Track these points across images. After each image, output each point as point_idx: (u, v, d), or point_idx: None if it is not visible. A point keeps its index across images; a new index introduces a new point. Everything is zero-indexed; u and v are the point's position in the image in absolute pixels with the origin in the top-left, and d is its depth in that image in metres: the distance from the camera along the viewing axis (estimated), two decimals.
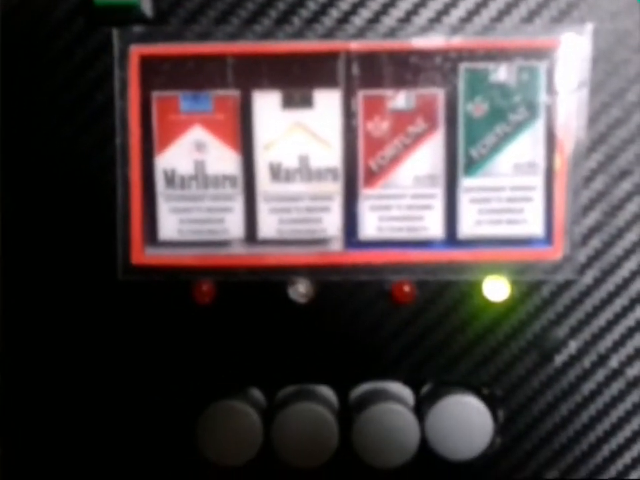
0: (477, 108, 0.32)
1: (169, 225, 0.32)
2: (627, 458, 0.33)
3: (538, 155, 0.32)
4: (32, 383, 0.33)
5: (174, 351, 0.33)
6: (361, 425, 0.31)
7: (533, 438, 0.33)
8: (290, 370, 0.33)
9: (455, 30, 0.31)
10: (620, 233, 0.32)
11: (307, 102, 0.32)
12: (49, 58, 0.31)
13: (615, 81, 0.32)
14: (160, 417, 0.33)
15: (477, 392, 0.32)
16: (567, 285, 0.32)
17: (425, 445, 0.31)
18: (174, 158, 0.32)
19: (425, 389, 0.33)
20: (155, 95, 0.31)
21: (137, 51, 0.31)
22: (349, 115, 0.32)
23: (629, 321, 0.33)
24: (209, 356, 0.33)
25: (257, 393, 0.33)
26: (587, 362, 0.33)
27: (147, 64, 0.31)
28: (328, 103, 0.32)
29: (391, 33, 0.32)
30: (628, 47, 0.32)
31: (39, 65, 0.31)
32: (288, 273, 0.32)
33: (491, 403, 0.32)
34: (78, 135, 0.32)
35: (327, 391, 0.34)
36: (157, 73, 0.31)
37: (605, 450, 0.33)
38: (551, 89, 0.32)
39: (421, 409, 0.32)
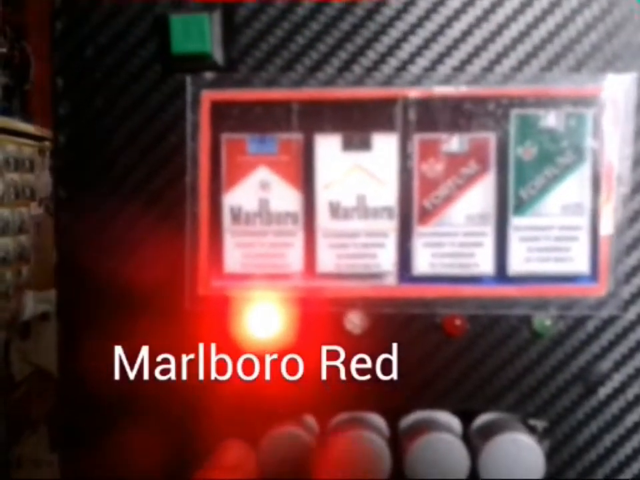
0: (527, 152, 0.34)
1: (234, 259, 0.34)
2: None
3: (584, 196, 0.34)
4: (98, 408, 0.35)
5: (238, 375, 0.34)
6: (414, 453, 0.32)
7: (577, 468, 0.34)
8: (343, 398, 0.35)
9: (506, 78, 0.33)
10: None
11: (365, 145, 0.34)
12: (128, 101, 0.34)
13: None
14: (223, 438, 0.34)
15: (524, 423, 0.34)
16: (611, 320, 0.34)
17: (474, 476, 0.33)
18: (240, 196, 0.34)
19: (477, 420, 0.35)
20: (225, 137, 0.34)
21: (208, 96, 0.33)
22: (405, 157, 0.34)
23: None
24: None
25: (311, 421, 0.35)
26: (630, 394, 0.34)
27: (218, 108, 0.33)
28: (385, 145, 0.34)
29: (446, 80, 0.33)
30: None
31: (119, 107, 0.34)
32: (345, 304, 0.34)
33: (537, 433, 0.34)
34: (152, 172, 0.34)
35: (377, 419, 0.35)
36: (227, 117, 0.33)
37: None
38: (597, 135, 0.33)
39: (472, 441, 0.34)
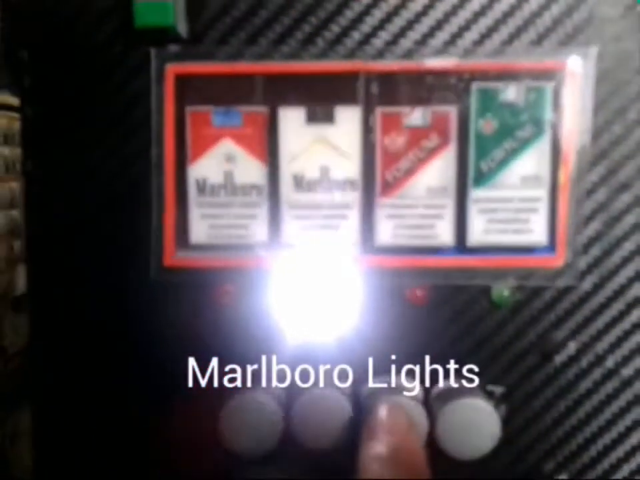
0: (487, 125, 0.34)
1: (200, 230, 0.35)
2: (620, 452, 0.36)
3: (543, 169, 0.34)
4: (63, 374, 0.36)
5: (199, 346, 0.35)
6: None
7: (532, 432, 0.36)
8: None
9: (468, 52, 0.34)
10: (618, 243, 0.35)
11: (329, 118, 0.34)
12: (91, 76, 0.34)
13: (617, 100, 0.34)
14: (187, 410, 0.36)
15: (482, 389, 0.35)
16: (567, 290, 0.35)
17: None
18: (205, 168, 0.34)
19: (437, 387, 0.36)
20: (189, 110, 0.34)
21: (172, 70, 0.34)
22: (367, 130, 0.34)
23: (625, 325, 0.35)
24: (230, 352, 0.35)
25: (276, 386, 0.36)
26: (584, 362, 0.35)
27: (182, 81, 0.34)
28: (348, 119, 0.34)
29: (408, 54, 0.34)
30: (629, 68, 0.34)
31: (82, 82, 0.34)
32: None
33: (495, 399, 0.35)
34: (117, 146, 0.34)
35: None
36: (191, 90, 0.34)
37: (600, 444, 0.36)
38: (556, 108, 0.34)
39: (432, 407, 0.35)
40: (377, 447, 0.30)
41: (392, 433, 0.30)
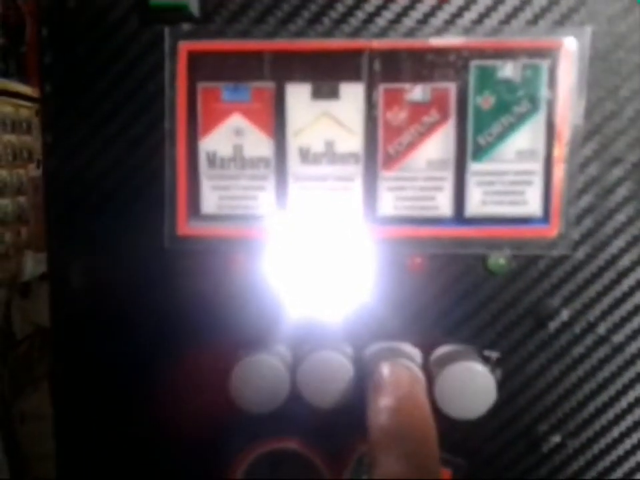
0: (485, 101, 0.36)
1: (210, 201, 0.37)
2: (610, 414, 0.37)
3: (538, 143, 0.36)
4: (80, 337, 0.38)
5: (212, 312, 0.37)
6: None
7: (527, 395, 0.37)
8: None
9: (467, 31, 0.35)
10: (611, 214, 0.36)
11: (333, 94, 0.36)
12: (107, 52, 0.36)
13: (610, 78, 0.36)
14: (198, 370, 0.37)
15: (479, 354, 0.37)
16: (561, 259, 0.36)
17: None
18: (215, 142, 0.36)
19: (436, 352, 0.38)
20: (200, 85, 0.36)
21: (185, 47, 0.35)
22: (370, 105, 0.36)
23: (617, 293, 0.37)
24: (242, 317, 0.37)
25: (282, 349, 0.38)
26: (577, 329, 0.37)
27: (194, 58, 0.35)
28: (352, 95, 0.36)
29: (410, 32, 0.35)
30: (623, 47, 0.35)
31: (101, 57, 0.36)
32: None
33: (490, 363, 0.37)
34: (132, 120, 0.36)
35: (346, 347, 0.38)
36: (202, 67, 0.35)
37: (591, 407, 0.37)
38: (552, 85, 0.35)
39: (431, 370, 0.37)
40: (384, 400, 0.31)
41: (397, 387, 0.32)
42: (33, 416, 1.04)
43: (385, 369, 0.33)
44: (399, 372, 0.34)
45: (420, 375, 0.35)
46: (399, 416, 0.30)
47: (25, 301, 1.08)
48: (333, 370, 0.35)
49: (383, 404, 0.31)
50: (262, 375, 0.36)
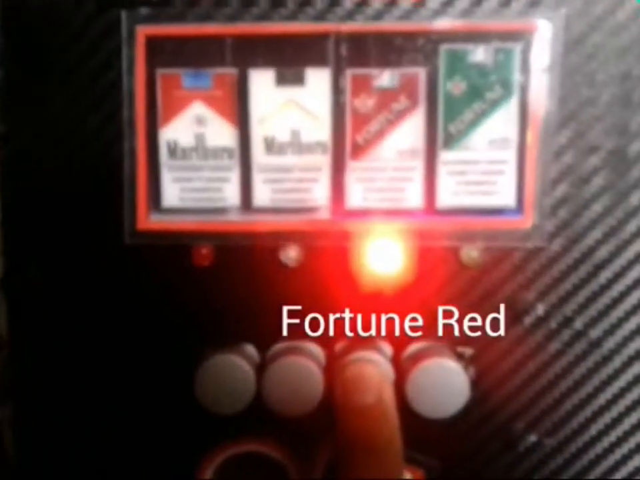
0: (456, 86, 0.34)
1: (172, 193, 0.35)
2: (587, 411, 0.36)
3: (511, 131, 0.34)
4: (40, 336, 0.36)
5: (174, 309, 0.36)
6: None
7: (502, 392, 0.36)
8: (280, 327, 0.36)
9: (436, 13, 0.34)
10: (586, 205, 0.35)
11: (299, 80, 0.34)
12: (63, 38, 0.34)
13: (585, 62, 0.34)
14: (161, 369, 0.36)
15: (452, 350, 0.36)
16: (536, 252, 0.35)
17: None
18: (176, 131, 0.35)
19: (409, 348, 0.36)
20: (159, 72, 0.34)
21: (142, 31, 0.34)
22: (337, 92, 0.34)
23: (593, 286, 0.35)
24: (206, 314, 0.36)
25: (250, 349, 0.36)
26: (553, 323, 0.36)
27: (152, 43, 0.34)
28: (318, 80, 0.34)
29: (378, 16, 0.34)
30: (599, 31, 0.34)
31: (53, 44, 0.34)
32: (280, 238, 0.35)
33: (464, 360, 0.35)
34: (89, 109, 0.34)
35: (313, 347, 0.37)
36: (161, 52, 0.34)
37: (568, 405, 0.36)
38: (525, 70, 0.34)
39: (403, 367, 0.35)
40: (352, 402, 0.31)
41: (369, 387, 0.31)
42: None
43: (354, 368, 0.33)
44: (369, 370, 0.33)
45: (390, 372, 0.34)
46: (366, 419, 0.30)
47: None
48: (301, 378, 0.34)
49: (350, 406, 0.31)
50: (227, 375, 0.34)
